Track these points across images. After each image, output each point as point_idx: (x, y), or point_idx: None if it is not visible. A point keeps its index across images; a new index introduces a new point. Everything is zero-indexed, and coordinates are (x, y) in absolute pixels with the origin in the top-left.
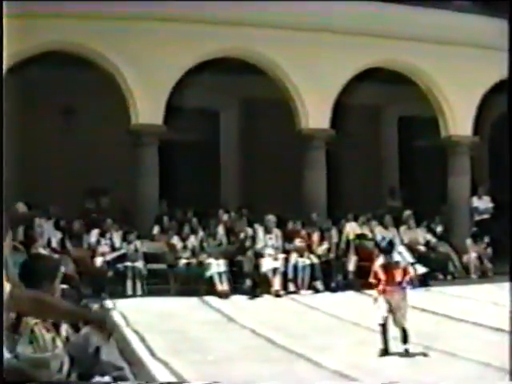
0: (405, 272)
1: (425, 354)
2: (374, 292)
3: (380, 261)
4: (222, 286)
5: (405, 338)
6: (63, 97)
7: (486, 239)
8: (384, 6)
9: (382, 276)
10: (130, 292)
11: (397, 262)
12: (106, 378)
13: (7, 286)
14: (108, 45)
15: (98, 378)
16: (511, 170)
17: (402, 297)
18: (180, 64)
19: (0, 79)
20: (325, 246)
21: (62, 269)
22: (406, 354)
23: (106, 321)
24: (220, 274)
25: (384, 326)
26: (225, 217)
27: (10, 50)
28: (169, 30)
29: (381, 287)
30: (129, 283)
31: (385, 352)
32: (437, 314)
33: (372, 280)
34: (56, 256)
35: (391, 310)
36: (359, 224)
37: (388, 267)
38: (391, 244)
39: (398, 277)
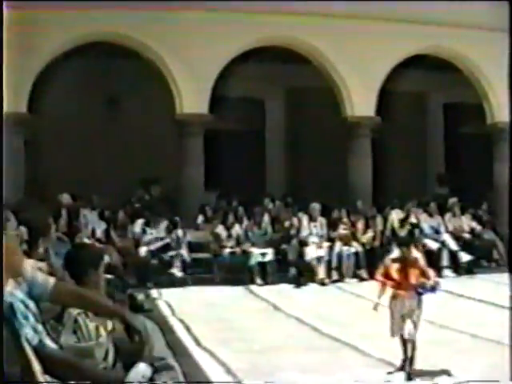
0: (424, 274)
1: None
2: (379, 293)
3: (394, 254)
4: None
5: (411, 359)
6: (108, 87)
7: None
8: None
9: (393, 274)
10: (176, 281)
11: (415, 258)
12: (143, 367)
13: (51, 280)
14: (152, 35)
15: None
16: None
17: (416, 303)
18: (225, 53)
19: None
20: (369, 233)
21: (106, 258)
22: (409, 378)
23: (141, 332)
24: (264, 265)
25: (402, 338)
26: (270, 205)
27: (56, 41)
28: (214, 19)
29: (391, 289)
30: (176, 272)
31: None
32: (482, 301)
33: (379, 278)
34: (100, 246)
35: (403, 317)
36: (404, 211)
37: (403, 264)
38: (411, 234)
39: (414, 278)
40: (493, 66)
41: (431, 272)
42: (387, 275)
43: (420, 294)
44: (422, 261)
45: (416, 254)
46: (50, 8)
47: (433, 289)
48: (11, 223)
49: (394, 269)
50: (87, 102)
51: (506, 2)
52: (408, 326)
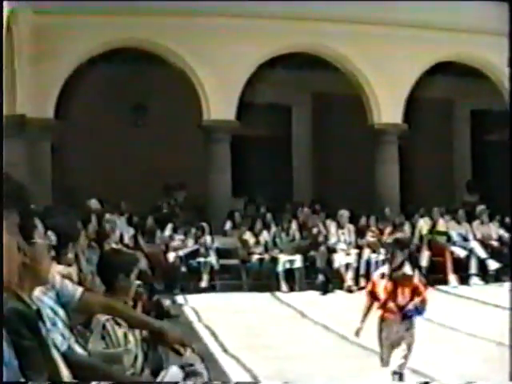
0: (415, 291)
1: None
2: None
3: (382, 269)
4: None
5: None
6: (135, 93)
7: None
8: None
9: (380, 294)
10: (203, 287)
11: (404, 275)
12: (176, 370)
13: (79, 289)
14: (179, 41)
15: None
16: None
17: (407, 328)
18: (252, 59)
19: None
20: None
21: (139, 264)
22: None
23: (181, 338)
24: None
25: (401, 375)
26: (298, 212)
27: (82, 46)
28: (240, 26)
29: (379, 311)
30: (204, 278)
31: None
32: (510, 309)
33: (367, 299)
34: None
35: (390, 345)
36: (433, 219)
37: (392, 281)
38: (400, 242)
39: (403, 298)
40: None
41: (424, 291)
42: (374, 294)
43: (404, 318)
44: (415, 278)
45: (407, 270)
46: (76, 14)
47: (417, 311)
48: (39, 231)
49: (382, 286)
50: (114, 107)
51: None
52: (396, 356)
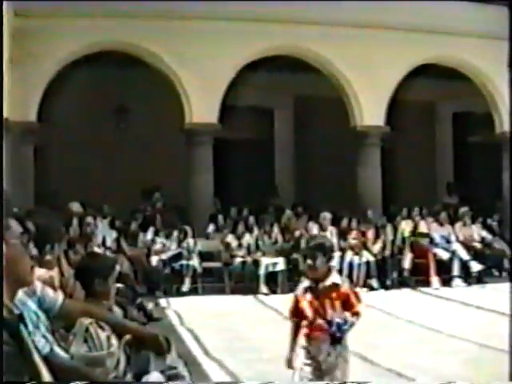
0: (347, 302)
1: None
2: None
3: (305, 282)
4: (268, 288)
5: None
6: (117, 96)
7: None
8: (437, 1)
9: (306, 310)
10: (186, 290)
11: (330, 286)
12: (157, 376)
13: (60, 297)
14: (161, 44)
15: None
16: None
17: (338, 350)
18: (234, 62)
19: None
20: (380, 243)
21: (117, 267)
22: None
23: (159, 339)
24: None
25: None
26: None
27: (65, 50)
28: (222, 29)
29: (304, 330)
30: (186, 281)
31: None
32: (492, 311)
33: (291, 316)
34: (111, 255)
35: (320, 372)
36: (414, 221)
37: (317, 294)
38: (323, 248)
39: (331, 313)
40: (502, 75)
41: (356, 301)
42: (299, 311)
43: (334, 341)
44: (345, 287)
45: (336, 279)
46: (58, 17)
47: (339, 328)
48: (13, 231)
49: (307, 301)
50: (97, 110)
51: None
52: (328, 379)
